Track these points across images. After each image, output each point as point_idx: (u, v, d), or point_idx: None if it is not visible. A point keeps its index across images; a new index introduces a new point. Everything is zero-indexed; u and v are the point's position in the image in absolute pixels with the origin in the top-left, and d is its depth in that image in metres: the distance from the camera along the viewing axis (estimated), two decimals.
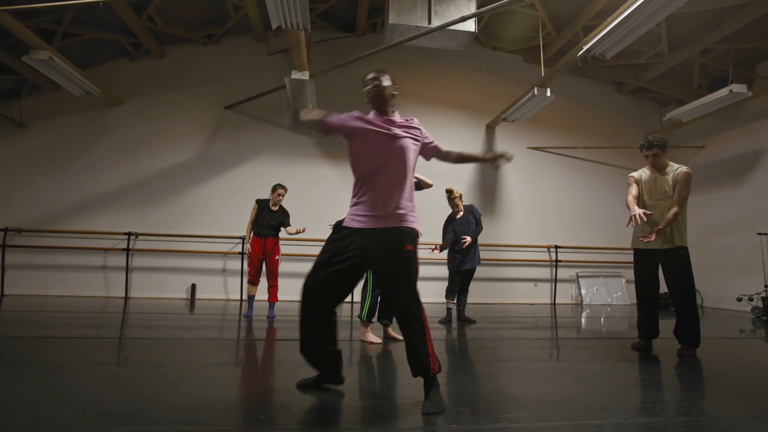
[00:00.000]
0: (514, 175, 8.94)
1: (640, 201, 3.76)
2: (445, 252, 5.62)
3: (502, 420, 2.03)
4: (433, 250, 5.33)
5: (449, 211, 5.76)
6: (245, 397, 2.42)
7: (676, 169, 3.69)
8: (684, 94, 8.67)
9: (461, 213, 5.66)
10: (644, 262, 3.78)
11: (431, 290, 8.04)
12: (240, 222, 7.44)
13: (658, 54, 7.97)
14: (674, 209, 3.52)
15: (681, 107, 7.79)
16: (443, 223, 5.78)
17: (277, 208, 5.72)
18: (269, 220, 5.64)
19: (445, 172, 8.24)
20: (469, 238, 5.45)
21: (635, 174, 3.88)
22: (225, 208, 7.91)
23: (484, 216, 5.80)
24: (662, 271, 3.74)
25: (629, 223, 3.51)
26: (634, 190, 3.78)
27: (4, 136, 7.66)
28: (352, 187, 2.41)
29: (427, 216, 7.51)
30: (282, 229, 5.75)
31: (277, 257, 5.71)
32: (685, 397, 2.58)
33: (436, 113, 8.76)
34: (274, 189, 5.71)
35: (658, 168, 3.75)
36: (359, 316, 4.20)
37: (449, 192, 5.68)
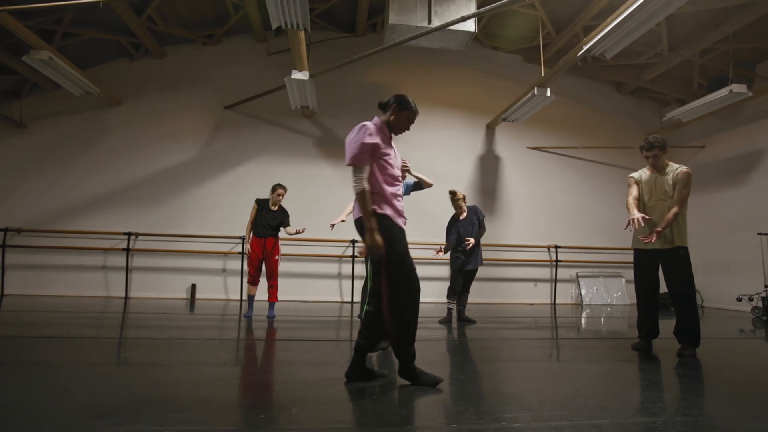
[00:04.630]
0: (515, 175, 8.94)
1: (640, 201, 3.76)
2: (449, 252, 5.63)
3: (502, 420, 2.03)
4: (437, 251, 5.33)
5: (452, 212, 5.76)
6: (245, 397, 2.42)
7: (676, 169, 3.69)
8: (684, 94, 8.67)
9: (464, 214, 5.65)
10: (644, 263, 3.78)
11: (432, 290, 8.05)
12: (240, 222, 7.44)
13: (658, 54, 7.97)
14: (674, 209, 3.52)
15: (681, 107, 7.79)
16: (446, 224, 5.78)
17: (276, 208, 5.72)
18: (269, 220, 5.64)
19: (446, 174, 8.29)
20: (472, 240, 5.45)
21: (635, 174, 3.87)
22: (225, 207, 7.91)
23: (484, 216, 5.80)
24: (662, 271, 3.74)
25: (627, 226, 3.52)
26: (634, 191, 3.77)
27: (4, 136, 7.67)
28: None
29: (429, 216, 7.57)
30: (282, 229, 5.75)
31: (276, 257, 5.71)
32: (685, 397, 2.58)
33: (436, 113, 8.76)
34: (274, 189, 5.71)
35: (658, 168, 3.74)
36: (359, 316, 4.20)
37: (452, 193, 5.67)
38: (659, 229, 3.48)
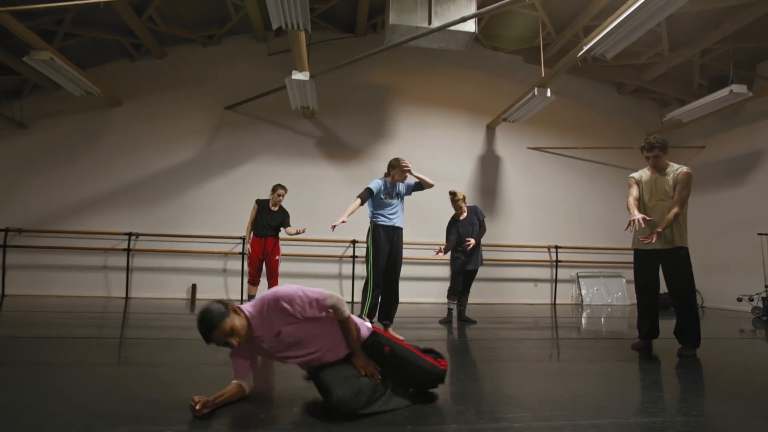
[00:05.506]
0: (515, 175, 8.94)
1: (640, 202, 3.76)
2: (449, 253, 5.63)
3: (503, 420, 2.03)
4: (437, 252, 5.33)
5: (452, 212, 5.76)
6: (245, 398, 2.42)
7: (676, 169, 3.68)
8: (684, 94, 8.67)
9: (464, 214, 5.65)
10: (644, 263, 3.77)
11: (432, 290, 8.06)
12: (240, 222, 7.43)
13: (659, 54, 7.97)
14: (675, 209, 3.51)
15: (681, 107, 7.79)
16: (446, 224, 5.78)
17: (276, 208, 5.73)
18: (269, 220, 5.65)
19: (446, 174, 8.29)
20: (473, 241, 5.45)
21: (635, 175, 3.86)
22: (225, 208, 7.91)
23: (484, 217, 5.80)
24: (662, 272, 3.74)
25: (628, 227, 3.50)
26: (634, 191, 3.76)
27: (4, 136, 7.67)
28: None
29: (429, 216, 7.58)
30: (282, 229, 5.76)
31: (277, 257, 5.71)
32: (685, 397, 2.58)
33: (436, 114, 8.77)
34: (274, 189, 5.72)
35: (659, 169, 3.74)
36: (359, 316, 4.20)
37: (452, 194, 5.67)
38: (659, 229, 3.48)
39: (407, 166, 4.27)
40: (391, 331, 4.26)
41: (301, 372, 2.35)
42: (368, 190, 4.16)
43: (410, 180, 4.47)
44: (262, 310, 2.11)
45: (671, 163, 3.75)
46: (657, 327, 3.77)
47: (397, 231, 4.26)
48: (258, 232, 5.62)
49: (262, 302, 2.12)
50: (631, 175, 3.89)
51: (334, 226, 3.95)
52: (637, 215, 3.46)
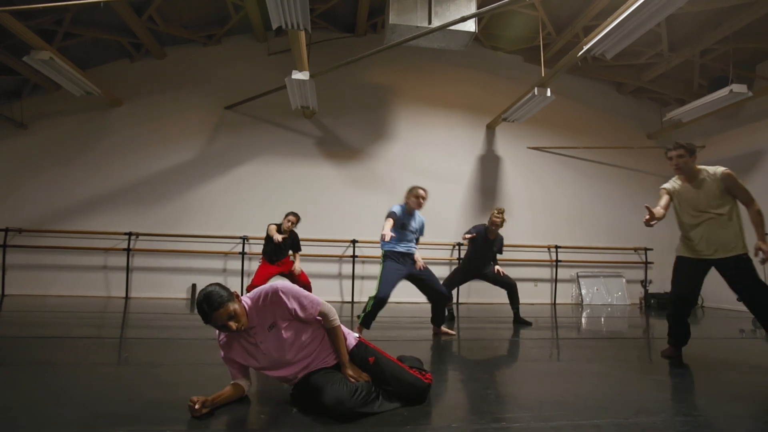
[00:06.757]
0: (515, 175, 8.94)
1: (683, 216, 3.45)
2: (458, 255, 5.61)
3: (503, 420, 2.03)
4: (465, 234, 5.36)
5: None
6: (245, 397, 2.42)
7: (712, 173, 3.36)
8: (684, 94, 8.67)
9: (494, 237, 5.45)
10: (691, 271, 3.46)
11: None
12: (240, 222, 7.46)
13: (659, 54, 7.97)
14: (755, 207, 3.29)
15: (681, 107, 7.79)
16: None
17: (287, 235, 5.58)
18: (281, 246, 5.50)
19: (446, 173, 8.29)
20: (502, 270, 5.61)
21: (667, 185, 3.53)
22: (225, 208, 7.91)
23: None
24: (727, 283, 3.39)
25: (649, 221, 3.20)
26: (663, 201, 3.42)
27: (4, 136, 7.67)
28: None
29: (431, 217, 7.53)
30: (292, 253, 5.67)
31: (300, 270, 5.60)
32: (685, 397, 2.58)
33: (436, 113, 8.77)
34: (286, 215, 5.57)
35: (688, 175, 3.42)
36: (359, 316, 4.21)
37: (500, 212, 5.34)
38: (761, 241, 3.24)
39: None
40: (444, 328, 4.45)
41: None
42: (393, 213, 4.10)
43: (417, 225, 4.39)
44: (258, 301, 2.14)
45: (702, 168, 3.39)
46: (689, 333, 3.53)
47: (410, 256, 4.23)
48: (271, 260, 5.52)
49: (260, 294, 2.15)
50: (663, 186, 3.53)
51: (384, 235, 3.80)
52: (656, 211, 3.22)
